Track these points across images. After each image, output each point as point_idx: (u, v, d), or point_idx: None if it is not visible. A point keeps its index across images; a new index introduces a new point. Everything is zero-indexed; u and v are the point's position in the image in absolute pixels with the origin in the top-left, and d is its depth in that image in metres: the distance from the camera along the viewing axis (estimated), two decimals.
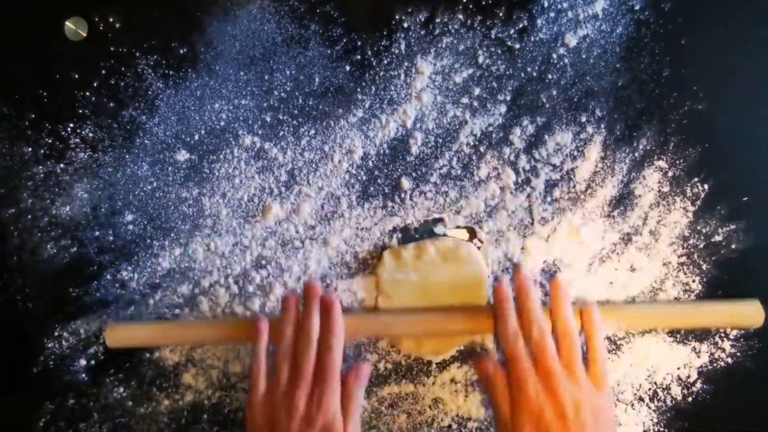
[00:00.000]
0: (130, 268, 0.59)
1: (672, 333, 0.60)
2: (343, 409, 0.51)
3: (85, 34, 0.57)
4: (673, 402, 0.60)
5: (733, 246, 0.59)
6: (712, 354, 0.60)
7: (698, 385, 0.60)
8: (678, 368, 0.60)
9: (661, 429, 0.60)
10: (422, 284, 0.58)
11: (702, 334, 0.60)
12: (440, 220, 0.59)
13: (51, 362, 0.59)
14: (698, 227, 0.59)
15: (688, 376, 0.60)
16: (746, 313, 0.56)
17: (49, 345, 0.59)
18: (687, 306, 0.58)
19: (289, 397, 0.51)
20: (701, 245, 0.59)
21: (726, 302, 0.57)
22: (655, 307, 0.58)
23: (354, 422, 0.51)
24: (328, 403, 0.50)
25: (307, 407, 0.50)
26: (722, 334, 0.59)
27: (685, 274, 0.59)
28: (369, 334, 0.59)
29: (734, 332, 0.59)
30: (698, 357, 0.60)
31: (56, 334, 0.59)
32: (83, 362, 0.59)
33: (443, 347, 0.60)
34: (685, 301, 0.59)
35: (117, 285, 0.59)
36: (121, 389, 0.60)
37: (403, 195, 0.59)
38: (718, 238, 0.59)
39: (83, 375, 0.59)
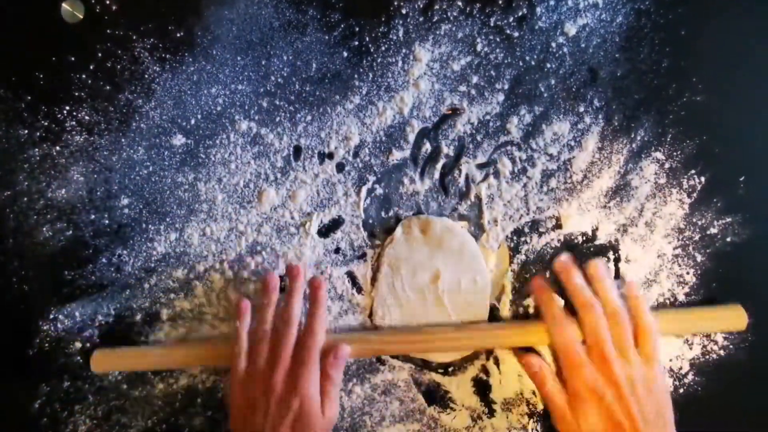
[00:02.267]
0: (125, 252, 0.59)
1: None
2: (321, 390, 0.51)
3: (81, 17, 0.57)
4: None
5: (729, 239, 0.59)
6: (704, 346, 0.60)
7: (690, 376, 0.60)
8: (670, 360, 0.60)
9: None
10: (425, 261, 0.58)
11: None
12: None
13: (46, 345, 0.60)
14: (694, 219, 0.59)
15: (680, 368, 0.60)
16: (729, 317, 0.57)
17: (45, 327, 0.59)
18: (671, 314, 0.58)
19: (266, 378, 0.51)
20: (696, 237, 0.59)
21: (709, 309, 0.58)
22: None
23: (331, 403, 0.52)
24: (304, 385, 0.51)
25: (283, 389, 0.51)
26: None
27: (680, 266, 0.59)
28: (382, 351, 0.59)
29: None
30: (690, 349, 0.60)
31: (51, 316, 0.59)
32: (78, 345, 0.60)
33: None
34: (668, 309, 0.59)
35: (112, 269, 0.59)
36: (116, 372, 0.60)
37: (399, 184, 0.59)
38: (713, 230, 0.59)
39: (78, 358, 0.60)
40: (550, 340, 0.55)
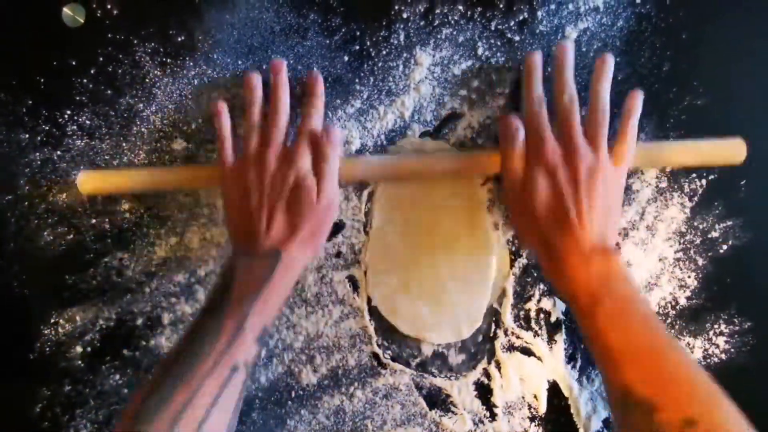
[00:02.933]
0: (126, 256, 0.59)
1: (666, 328, 0.60)
2: (316, 168, 0.50)
3: (82, 21, 0.57)
4: None
5: (730, 242, 0.59)
6: (706, 350, 0.60)
7: None
8: None
9: None
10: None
11: (696, 329, 0.60)
12: None
13: (47, 349, 0.60)
14: (695, 223, 0.59)
15: None
16: (728, 149, 0.55)
17: (46, 331, 0.59)
18: (666, 144, 0.57)
19: (258, 158, 0.50)
20: (698, 241, 0.59)
21: (708, 140, 0.56)
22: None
23: (329, 183, 0.51)
24: (298, 160, 0.50)
25: (278, 165, 0.50)
26: (716, 330, 0.60)
27: (681, 269, 0.59)
28: (362, 176, 0.58)
29: (728, 328, 0.59)
30: (692, 352, 0.60)
31: (53, 320, 0.59)
32: (79, 349, 0.60)
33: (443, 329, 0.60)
34: (663, 141, 0.58)
35: (113, 273, 0.59)
36: (117, 376, 0.60)
37: None
38: (714, 234, 0.59)
39: (79, 362, 0.60)
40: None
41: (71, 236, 0.59)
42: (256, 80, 0.54)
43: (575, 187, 0.48)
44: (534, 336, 0.60)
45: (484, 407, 0.60)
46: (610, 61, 0.53)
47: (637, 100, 0.53)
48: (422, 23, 0.57)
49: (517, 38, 0.58)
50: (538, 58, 0.53)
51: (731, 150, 0.55)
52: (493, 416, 0.60)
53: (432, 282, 0.59)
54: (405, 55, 0.58)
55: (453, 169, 0.57)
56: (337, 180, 0.52)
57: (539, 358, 0.60)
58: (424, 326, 0.59)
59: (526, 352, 0.60)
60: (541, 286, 0.60)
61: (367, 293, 0.60)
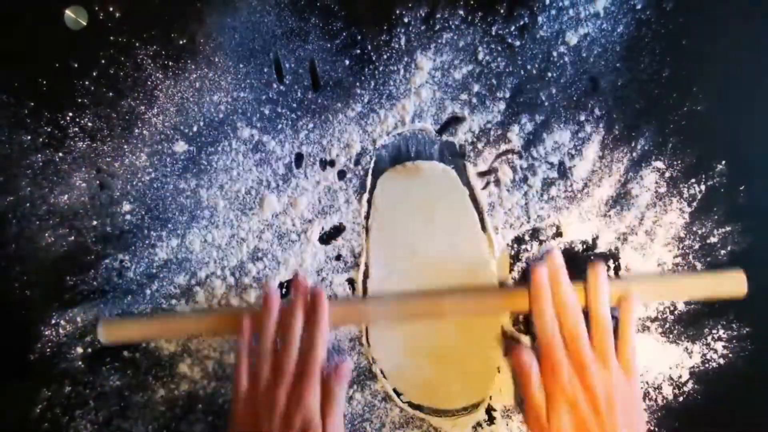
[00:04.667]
0: (127, 257, 0.59)
1: (664, 333, 0.60)
2: (323, 408, 0.51)
3: (84, 23, 0.57)
4: (665, 402, 0.60)
5: (729, 248, 0.59)
6: (704, 355, 0.60)
7: (690, 385, 0.60)
8: (670, 368, 0.60)
9: (653, 428, 0.60)
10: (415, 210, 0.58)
11: (694, 334, 0.60)
12: None
13: (48, 350, 0.60)
14: (694, 228, 0.59)
15: (680, 377, 0.60)
16: (730, 283, 0.56)
17: (46, 333, 0.60)
18: (669, 279, 0.58)
19: (269, 394, 0.51)
20: (696, 246, 0.59)
21: (709, 273, 0.58)
22: (636, 281, 0.57)
23: (334, 422, 0.51)
24: (307, 400, 0.50)
25: (287, 405, 0.50)
26: (714, 336, 0.60)
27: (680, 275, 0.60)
28: (366, 319, 0.58)
29: (726, 334, 0.60)
30: (690, 357, 0.60)
31: (53, 321, 0.60)
32: (80, 350, 0.60)
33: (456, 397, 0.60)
34: (667, 274, 0.59)
35: (114, 274, 0.59)
36: (117, 378, 0.60)
37: None
38: (713, 239, 0.59)
39: (79, 363, 0.60)
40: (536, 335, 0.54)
41: (72, 237, 0.59)
42: (275, 298, 0.54)
43: (598, 418, 0.50)
44: (532, 339, 0.60)
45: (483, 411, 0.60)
46: (602, 270, 0.54)
47: (630, 304, 0.54)
48: (423, 27, 0.58)
49: (517, 43, 0.58)
50: (544, 275, 0.54)
51: (733, 284, 0.56)
52: (491, 419, 0.60)
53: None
54: (406, 59, 0.58)
55: (461, 309, 0.57)
56: (342, 415, 0.53)
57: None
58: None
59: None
60: None
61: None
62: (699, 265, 0.59)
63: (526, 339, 0.59)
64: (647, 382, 0.60)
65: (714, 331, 0.60)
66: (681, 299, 0.59)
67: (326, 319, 0.54)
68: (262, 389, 0.52)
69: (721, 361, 0.60)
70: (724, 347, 0.60)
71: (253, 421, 0.51)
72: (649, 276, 0.59)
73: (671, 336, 0.60)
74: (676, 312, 0.60)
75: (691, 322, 0.60)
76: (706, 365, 0.60)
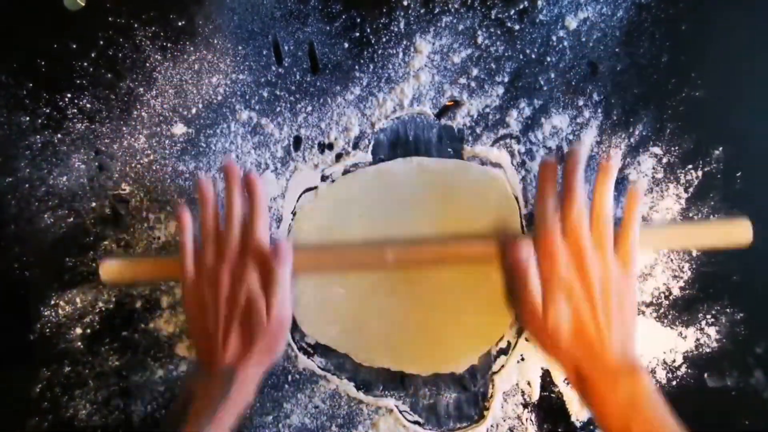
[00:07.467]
0: (126, 239, 0.60)
1: (659, 317, 0.60)
2: (267, 288, 0.51)
3: (83, 4, 0.57)
4: (658, 385, 0.61)
5: None
6: (697, 339, 0.61)
7: (683, 369, 0.61)
8: (664, 352, 0.61)
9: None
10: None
11: (688, 319, 0.60)
12: None
13: (47, 330, 0.60)
14: (690, 214, 0.59)
15: (674, 361, 0.61)
16: (735, 231, 0.55)
17: (46, 313, 0.60)
18: (677, 227, 0.58)
19: (213, 278, 0.51)
20: None
21: (716, 222, 0.57)
22: (644, 227, 0.55)
23: (278, 300, 0.51)
24: (248, 280, 0.51)
25: (231, 284, 0.51)
26: (708, 320, 0.60)
27: (675, 260, 0.60)
28: (320, 269, 0.58)
29: (720, 319, 0.60)
30: (684, 341, 0.61)
31: (53, 302, 0.60)
32: (79, 331, 0.60)
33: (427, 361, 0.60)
34: (672, 223, 0.59)
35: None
36: (116, 358, 0.60)
37: None
38: None
39: (79, 343, 0.60)
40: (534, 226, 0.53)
41: (71, 219, 0.59)
42: (209, 186, 0.54)
43: (592, 309, 0.49)
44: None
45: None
46: (613, 164, 0.52)
47: (636, 198, 0.52)
48: (422, 11, 0.58)
49: (516, 27, 0.58)
50: (553, 168, 0.52)
51: (738, 231, 0.55)
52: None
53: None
54: (405, 42, 0.58)
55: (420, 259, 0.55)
56: (287, 296, 0.52)
57: (533, 346, 0.61)
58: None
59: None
60: None
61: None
62: (694, 251, 0.60)
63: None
64: None
65: (708, 316, 0.60)
66: (689, 247, 0.59)
67: (265, 200, 0.53)
68: (206, 273, 0.52)
69: (715, 345, 0.61)
70: (717, 332, 0.60)
71: (202, 307, 0.52)
72: (657, 224, 0.58)
73: (665, 320, 0.60)
74: (670, 297, 0.60)
75: (685, 306, 0.60)
76: (700, 350, 0.61)
